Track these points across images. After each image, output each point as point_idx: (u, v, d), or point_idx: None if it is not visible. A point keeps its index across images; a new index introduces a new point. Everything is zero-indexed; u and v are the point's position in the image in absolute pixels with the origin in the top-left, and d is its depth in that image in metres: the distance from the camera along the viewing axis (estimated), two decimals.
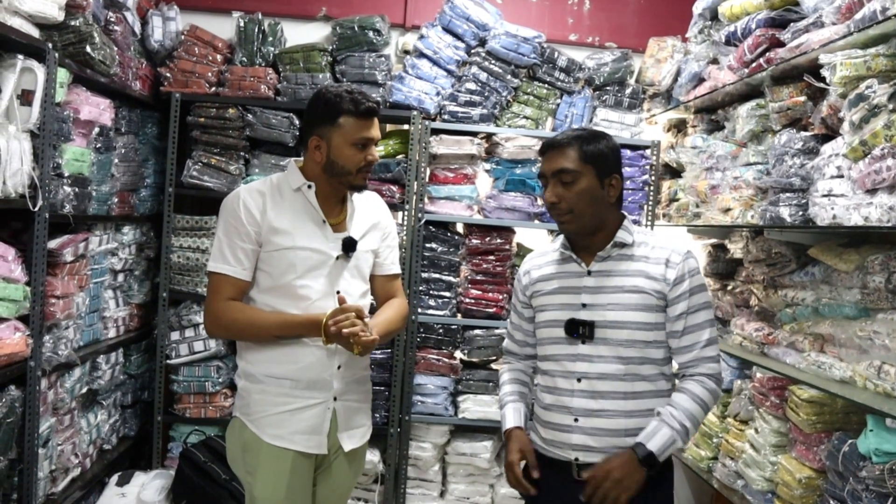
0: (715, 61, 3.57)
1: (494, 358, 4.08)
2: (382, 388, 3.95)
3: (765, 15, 3.01)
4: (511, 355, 2.41)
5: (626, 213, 2.19)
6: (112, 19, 3.43)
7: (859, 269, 2.59)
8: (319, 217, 2.30)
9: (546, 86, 4.11)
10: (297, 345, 2.25)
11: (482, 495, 4.04)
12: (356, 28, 4.00)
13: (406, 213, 3.96)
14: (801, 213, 2.74)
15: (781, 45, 2.89)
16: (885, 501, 2.21)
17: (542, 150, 2.17)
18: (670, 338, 2.12)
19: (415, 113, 3.93)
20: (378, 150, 3.86)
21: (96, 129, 3.32)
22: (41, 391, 2.93)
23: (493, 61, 4.02)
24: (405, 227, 3.95)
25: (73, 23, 3.00)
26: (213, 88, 3.94)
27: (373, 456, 3.89)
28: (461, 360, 4.08)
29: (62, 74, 2.93)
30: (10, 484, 2.80)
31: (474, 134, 4.04)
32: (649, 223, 4.06)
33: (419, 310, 3.95)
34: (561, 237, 2.23)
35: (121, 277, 3.80)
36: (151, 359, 4.04)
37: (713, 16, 3.66)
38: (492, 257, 4.00)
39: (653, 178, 4.07)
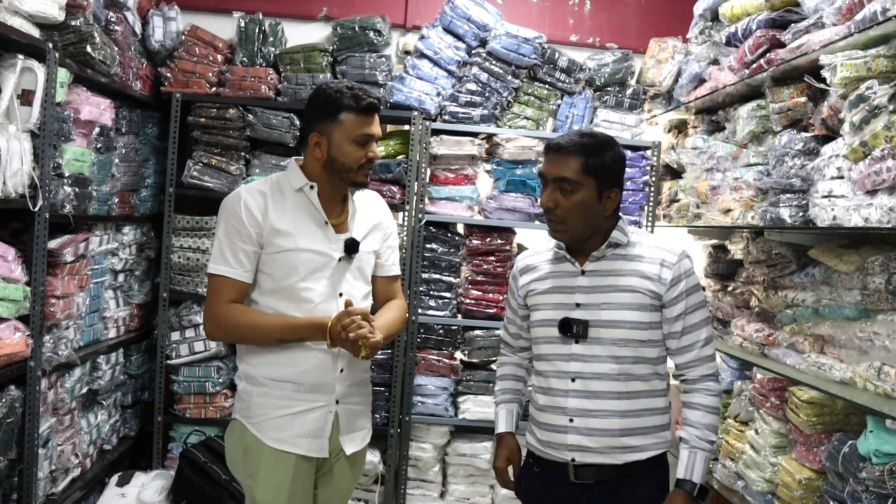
0: (715, 62, 3.57)
1: (495, 359, 4.08)
2: (383, 388, 3.95)
3: (765, 16, 3.01)
4: (507, 346, 2.44)
5: (621, 215, 2.19)
6: (113, 19, 3.43)
7: (859, 270, 2.58)
8: (322, 218, 2.27)
9: (547, 86, 4.11)
10: (299, 348, 2.22)
11: (482, 496, 4.04)
12: (357, 28, 4.00)
13: (406, 213, 3.95)
14: (801, 214, 2.74)
15: (782, 45, 2.89)
16: (884, 502, 2.20)
17: (546, 150, 2.15)
18: (669, 338, 2.13)
19: (415, 113, 3.93)
20: (378, 150, 3.92)
21: (97, 129, 3.33)
22: (41, 391, 2.93)
23: (493, 62, 4.02)
24: (406, 228, 3.95)
25: (73, 23, 3.00)
26: (214, 88, 3.94)
27: (373, 456, 3.89)
28: (461, 361, 4.08)
29: (62, 74, 2.93)
30: (10, 484, 2.80)
31: (475, 134, 4.04)
32: (650, 224, 4.06)
33: (419, 310, 3.95)
34: None
35: (121, 277, 3.80)
36: (152, 359, 4.04)
37: (714, 16, 3.66)
38: (492, 258, 4.00)
39: (653, 178, 4.07)
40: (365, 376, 2.42)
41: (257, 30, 4.01)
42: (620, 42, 4.48)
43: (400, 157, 4.02)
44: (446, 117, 4.04)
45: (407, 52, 4.27)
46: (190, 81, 3.91)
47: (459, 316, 4.03)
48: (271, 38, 4.04)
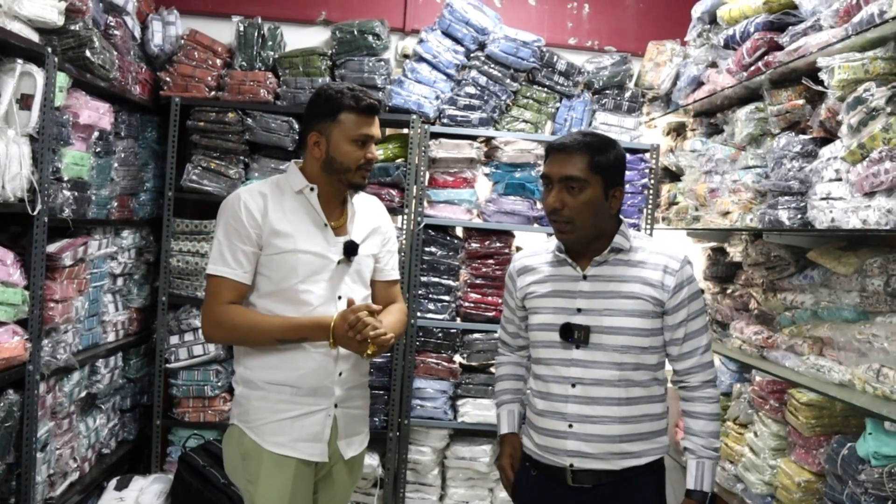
0: (714, 65, 3.57)
1: (494, 362, 4.06)
2: (382, 391, 3.95)
3: (763, 18, 3.01)
4: (505, 346, 2.43)
5: (622, 218, 2.18)
6: (112, 24, 3.43)
7: (858, 272, 2.59)
8: (321, 220, 2.27)
9: (545, 89, 4.11)
10: (297, 350, 2.21)
11: (481, 499, 4.03)
12: (356, 32, 4.00)
13: (405, 216, 3.96)
14: (799, 216, 2.74)
15: (780, 48, 2.89)
16: None
17: (549, 151, 2.13)
18: (671, 345, 2.13)
19: (414, 117, 3.94)
20: (377, 153, 3.93)
21: (96, 134, 3.33)
22: (39, 395, 2.93)
23: (492, 65, 4.03)
24: (405, 231, 3.95)
25: (72, 27, 3.00)
26: (213, 93, 3.94)
27: (372, 460, 3.88)
28: (460, 364, 4.08)
29: (62, 79, 2.94)
30: (7, 488, 2.80)
31: (474, 138, 4.04)
32: (648, 227, 4.06)
33: (419, 313, 3.95)
34: (555, 239, 2.21)
35: (120, 281, 3.80)
36: (150, 363, 4.04)
37: (712, 19, 3.66)
38: (491, 261, 4.00)
39: (652, 181, 4.07)
40: (363, 380, 2.41)
41: (256, 34, 4.01)
42: (619, 45, 4.49)
43: (399, 160, 4.02)
44: (445, 121, 4.04)
45: (406, 56, 4.27)
46: (189, 85, 3.92)
47: (458, 319, 4.03)
48: (270, 43, 4.04)
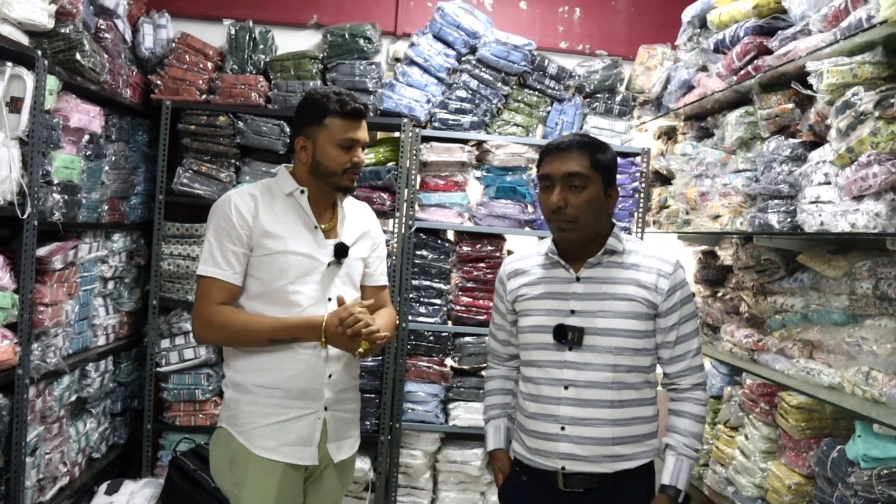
0: (704, 69, 3.59)
1: (485, 365, 4.07)
2: (373, 395, 3.94)
3: (753, 23, 3.03)
4: (495, 357, 2.41)
5: (614, 221, 2.19)
6: (102, 27, 3.42)
7: (847, 275, 2.60)
8: (311, 222, 2.28)
9: (536, 93, 4.12)
10: (287, 352, 2.22)
11: (473, 503, 4.03)
12: (347, 36, 4.00)
13: (397, 220, 3.96)
14: (789, 219, 2.75)
15: (769, 52, 2.91)
16: None
17: (547, 151, 2.13)
18: (663, 348, 2.13)
19: (405, 120, 3.94)
20: (369, 158, 3.95)
21: (86, 137, 3.32)
22: (29, 399, 2.91)
23: (483, 69, 4.03)
24: (396, 235, 3.95)
25: (62, 30, 2.99)
26: (204, 96, 3.94)
27: (363, 464, 3.88)
28: (452, 368, 4.07)
29: (52, 82, 2.93)
30: None
31: (465, 141, 4.05)
32: (639, 230, 4.07)
33: (410, 317, 3.95)
34: (547, 241, 2.22)
35: (111, 285, 3.79)
36: (141, 367, 4.02)
37: (702, 24, 3.68)
38: (482, 265, 4.00)
39: (643, 185, 4.08)
40: (354, 383, 2.41)
41: (248, 37, 4.01)
42: (610, 49, 4.50)
43: (390, 164, 4.02)
44: (436, 124, 4.04)
45: (397, 60, 4.27)
46: (180, 89, 3.91)
47: (450, 323, 4.03)
48: (261, 46, 4.04)
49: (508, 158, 3.96)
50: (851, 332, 2.51)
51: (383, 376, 3.93)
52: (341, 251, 2.28)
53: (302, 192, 2.28)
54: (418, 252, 3.97)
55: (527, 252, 2.31)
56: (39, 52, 2.82)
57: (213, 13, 4.27)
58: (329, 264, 2.28)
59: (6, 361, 2.71)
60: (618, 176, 3.81)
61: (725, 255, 3.56)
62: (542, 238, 4.06)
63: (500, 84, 4.04)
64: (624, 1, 4.60)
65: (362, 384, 3.76)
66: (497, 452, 2.32)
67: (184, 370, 3.88)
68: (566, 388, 2.09)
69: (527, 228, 4.02)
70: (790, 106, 2.87)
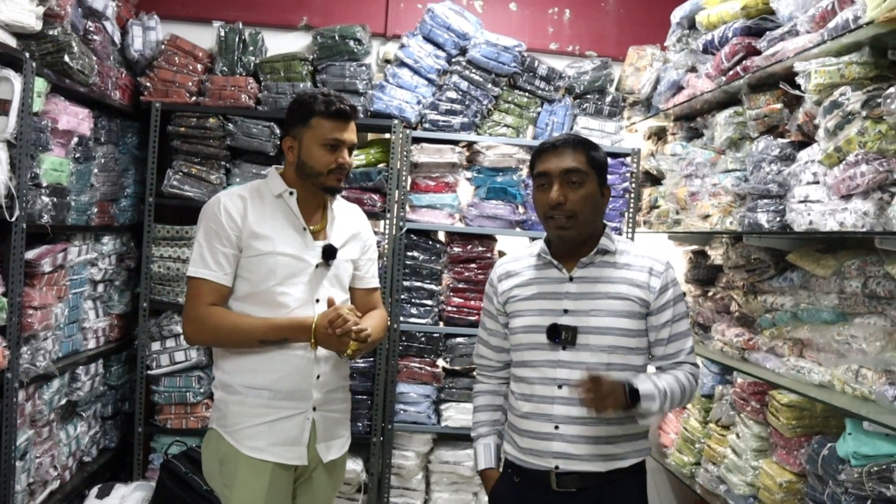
0: (693, 69, 3.61)
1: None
2: (365, 396, 3.93)
3: (741, 24, 3.05)
4: (484, 369, 2.37)
5: (606, 222, 2.21)
6: (91, 29, 3.41)
7: (836, 274, 2.61)
8: (300, 224, 2.29)
9: (527, 94, 4.13)
10: (275, 353, 2.23)
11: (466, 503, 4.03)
12: (337, 37, 4.00)
13: (387, 221, 3.95)
14: (778, 219, 2.77)
15: (758, 53, 2.92)
16: None
17: (542, 150, 2.14)
18: (656, 346, 2.14)
19: (396, 122, 3.94)
20: (359, 159, 3.95)
21: (75, 139, 3.30)
22: (19, 403, 2.90)
23: (473, 70, 4.03)
24: (387, 236, 3.95)
25: (51, 32, 2.98)
26: (194, 98, 3.92)
27: (355, 465, 3.87)
28: (443, 369, 4.08)
29: (40, 84, 2.91)
30: None
31: (455, 142, 4.05)
32: (630, 230, 4.08)
33: (401, 318, 3.94)
34: (539, 242, 2.22)
35: (101, 288, 3.77)
36: (132, 369, 4.00)
37: (691, 25, 3.69)
38: (473, 265, 4.00)
39: (633, 185, 4.09)
40: (344, 383, 2.41)
41: (237, 39, 4.00)
42: (599, 50, 4.51)
43: (381, 165, 4.01)
44: (427, 125, 4.04)
45: (387, 61, 4.27)
46: (170, 91, 3.89)
47: (441, 323, 4.03)
48: (251, 48, 4.03)
49: (499, 159, 3.96)
50: (841, 331, 2.53)
51: (375, 377, 3.93)
52: (329, 253, 2.29)
53: (291, 193, 2.29)
54: (409, 253, 3.97)
55: (518, 254, 2.31)
56: (27, 55, 2.81)
57: (202, 15, 4.25)
58: (317, 266, 2.28)
59: None
60: (608, 176, 3.84)
61: (715, 255, 3.58)
62: (533, 239, 4.11)
63: (490, 85, 4.05)
64: (613, 2, 4.61)
65: (354, 385, 3.75)
66: (488, 472, 2.28)
67: (175, 373, 3.86)
68: (560, 387, 2.09)
69: (518, 229, 4.03)
70: (779, 106, 2.89)
